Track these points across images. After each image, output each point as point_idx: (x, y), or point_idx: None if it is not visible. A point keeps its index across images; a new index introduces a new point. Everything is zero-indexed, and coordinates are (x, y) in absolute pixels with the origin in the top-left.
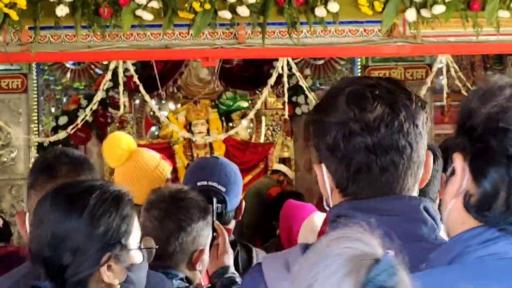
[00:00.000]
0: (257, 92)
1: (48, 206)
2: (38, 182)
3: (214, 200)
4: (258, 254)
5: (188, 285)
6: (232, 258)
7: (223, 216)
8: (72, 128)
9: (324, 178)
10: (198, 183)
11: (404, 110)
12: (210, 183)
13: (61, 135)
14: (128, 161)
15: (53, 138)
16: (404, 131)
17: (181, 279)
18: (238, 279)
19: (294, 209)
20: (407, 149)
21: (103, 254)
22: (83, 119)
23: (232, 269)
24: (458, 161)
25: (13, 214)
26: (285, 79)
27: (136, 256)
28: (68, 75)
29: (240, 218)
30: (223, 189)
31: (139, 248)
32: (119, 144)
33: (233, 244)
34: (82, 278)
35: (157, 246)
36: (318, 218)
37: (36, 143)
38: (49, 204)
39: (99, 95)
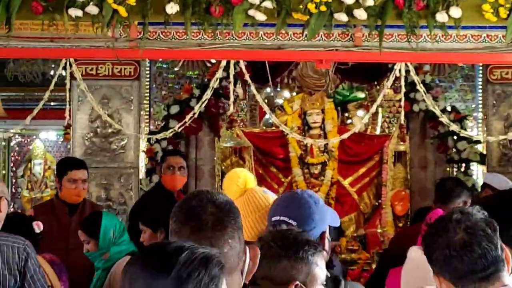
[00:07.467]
0: (374, 83)
1: (138, 266)
2: (182, 233)
3: None
4: (348, 285)
5: None
6: None
7: None
8: (189, 120)
9: None
10: (273, 218)
11: None
12: (281, 218)
13: (173, 127)
14: (241, 196)
15: (169, 133)
16: None
17: None
18: None
19: None
20: None
21: None
22: (195, 112)
23: None
24: None
25: (121, 203)
26: (402, 83)
27: None
28: (181, 63)
29: None
30: (294, 223)
31: None
32: (237, 181)
33: None
34: None
35: None
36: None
37: (147, 132)
38: (140, 263)
39: (212, 86)
